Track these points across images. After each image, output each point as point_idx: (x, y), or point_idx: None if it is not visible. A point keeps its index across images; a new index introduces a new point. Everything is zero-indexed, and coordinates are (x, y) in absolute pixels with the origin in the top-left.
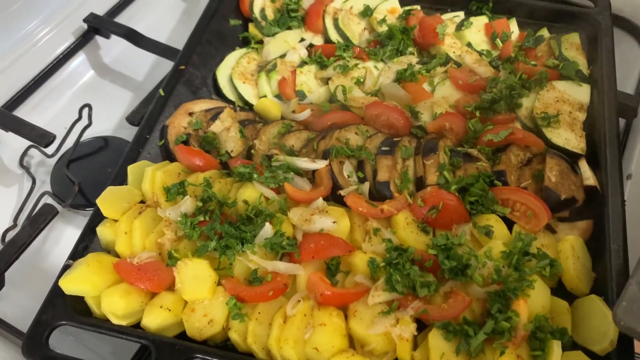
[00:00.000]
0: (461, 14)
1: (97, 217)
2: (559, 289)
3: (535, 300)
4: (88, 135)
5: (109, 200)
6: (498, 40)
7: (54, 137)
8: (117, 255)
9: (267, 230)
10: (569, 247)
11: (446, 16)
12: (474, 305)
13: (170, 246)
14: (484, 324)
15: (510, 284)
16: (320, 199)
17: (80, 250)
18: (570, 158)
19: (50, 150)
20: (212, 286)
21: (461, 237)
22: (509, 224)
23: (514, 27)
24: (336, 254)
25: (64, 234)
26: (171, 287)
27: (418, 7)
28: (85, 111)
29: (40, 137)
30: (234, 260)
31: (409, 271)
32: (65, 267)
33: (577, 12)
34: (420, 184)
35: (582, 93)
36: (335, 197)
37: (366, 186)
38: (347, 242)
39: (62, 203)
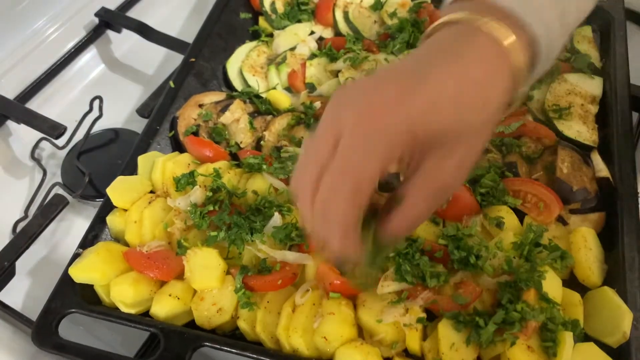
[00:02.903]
0: None
1: (107, 207)
2: (571, 281)
3: (545, 291)
4: (98, 127)
5: (119, 189)
6: None
7: (65, 128)
8: (126, 244)
9: (276, 220)
10: (580, 238)
11: None
12: (484, 295)
13: (179, 235)
14: (494, 315)
15: (521, 275)
16: None
17: (90, 239)
18: (582, 150)
19: (61, 142)
20: (222, 275)
21: (472, 228)
22: (520, 215)
23: None
24: None
25: (74, 224)
26: (180, 276)
27: (429, 0)
28: (96, 103)
29: (51, 129)
30: (243, 249)
31: (419, 261)
32: (75, 256)
33: None
34: None
35: (594, 86)
36: None
37: None
38: None
39: (73, 194)
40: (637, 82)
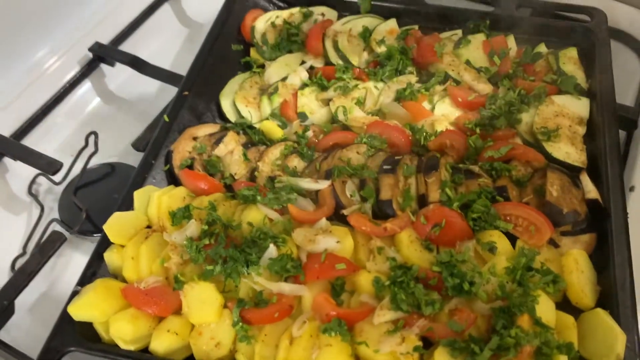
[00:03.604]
0: (459, 32)
1: (105, 243)
2: (564, 303)
3: (539, 315)
4: (95, 162)
5: (115, 226)
6: (496, 57)
7: (61, 165)
8: (124, 281)
9: (272, 251)
10: (572, 261)
11: (444, 35)
12: (479, 321)
13: (176, 270)
14: (489, 341)
15: (515, 300)
16: (324, 219)
17: (89, 276)
18: (571, 172)
19: (57, 177)
20: (219, 309)
21: (465, 254)
22: (512, 239)
23: (511, 43)
24: (341, 274)
25: (72, 260)
26: (178, 311)
27: (416, 27)
28: (92, 138)
29: (48, 165)
30: (240, 282)
31: (414, 289)
32: (74, 294)
33: (573, 27)
34: (422, 201)
35: (581, 107)
36: (338, 217)
37: (369, 205)
38: (351, 262)
39: (70, 230)
40: (623, 100)
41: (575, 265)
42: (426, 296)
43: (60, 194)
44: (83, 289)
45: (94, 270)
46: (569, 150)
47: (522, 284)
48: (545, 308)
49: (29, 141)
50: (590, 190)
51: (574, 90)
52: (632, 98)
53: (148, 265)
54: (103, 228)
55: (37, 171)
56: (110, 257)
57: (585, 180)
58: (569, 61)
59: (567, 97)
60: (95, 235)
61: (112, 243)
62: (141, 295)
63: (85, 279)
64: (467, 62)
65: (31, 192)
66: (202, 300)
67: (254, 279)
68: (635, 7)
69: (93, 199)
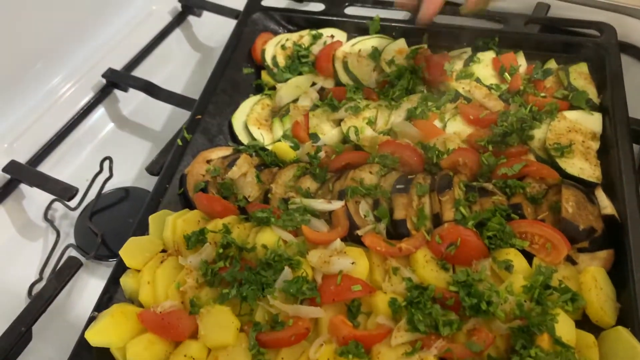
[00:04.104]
0: (468, 50)
1: (120, 268)
2: (584, 321)
3: (559, 334)
4: (109, 186)
5: (131, 251)
6: (506, 74)
7: (77, 190)
8: (140, 305)
9: (287, 274)
10: (591, 278)
11: (453, 53)
12: (497, 341)
13: (192, 294)
14: None
15: (534, 319)
16: (338, 239)
17: (105, 301)
18: (586, 187)
19: (73, 203)
20: (235, 333)
21: (481, 273)
22: (529, 257)
23: (521, 60)
24: (357, 295)
25: (88, 284)
26: (194, 335)
27: (425, 45)
28: (106, 164)
29: (63, 191)
30: (255, 305)
31: (431, 310)
32: (91, 319)
33: (583, 42)
34: (437, 220)
35: (593, 122)
36: (352, 238)
37: (383, 225)
38: (367, 283)
39: (86, 255)
40: (635, 114)
41: (594, 282)
42: (444, 316)
43: (75, 219)
44: (100, 314)
45: (110, 295)
46: (583, 166)
47: (540, 302)
48: (565, 327)
49: (45, 167)
50: (606, 205)
51: (586, 105)
52: None
53: (164, 289)
54: (119, 253)
55: (52, 197)
56: (126, 281)
57: (601, 195)
58: (580, 76)
59: (579, 113)
60: (110, 260)
61: (128, 268)
62: (157, 319)
63: (102, 304)
64: (478, 80)
65: (47, 218)
66: (218, 324)
67: (269, 301)
68: None
69: (108, 223)
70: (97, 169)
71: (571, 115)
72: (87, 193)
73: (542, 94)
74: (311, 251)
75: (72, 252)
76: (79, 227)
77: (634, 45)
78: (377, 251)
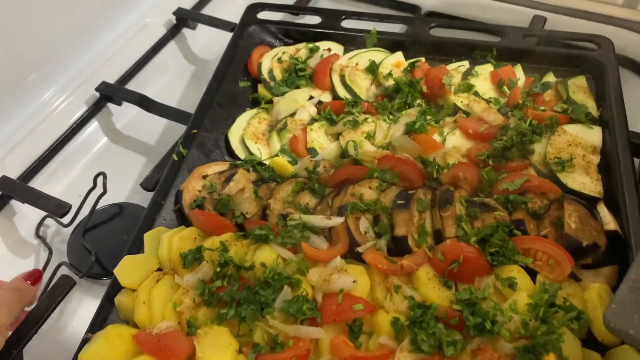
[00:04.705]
0: (466, 64)
1: (115, 288)
2: (589, 340)
3: (565, 354)
4: (103, 202)
5: (126, 269)
6: (505, 87)
7: (70, 206)
8: (136, 326)
9: (287, 293)
10: (596, 296)
11: (451, 66)
12: None
13: (189, 314)
14: None
15: (540, 339)
16: (339, 257)
17: (99, 322)
18: (587, 202)
19: (66, 219)
20: (234, 354)
21: (485, 291)
22: (532, 273)
23: (519, 73)
24: (359, 315)
25: (81, 304)
26: (192, 357)
27: (423, 59)
28: (100, 179)
29: (55, 208)
30: (255, 326)
31: (434, 330)
32: (85, 341)
33: (582, 55)
34: (438, 236)
35: (593, 135)
36: (353, 255)
37: (384, 241)
38: (368, 302)
39: (79, 273)
40: (635, 127)
41: (600, 300)
42: (447, 336)
43: (68, 236)
44: (94, 335)
45: (105, 315)
46: (584, 181)
47: (545, 321)
48: (572, 346)
49: (37, 183)
50: (609, 221)
51: (586, 118)
52: None
53: (160, 309)
54: (114, 272)
55: (44, 213)
56: (122, 301)
57: (603, 211)
58: (579, 90)
59: (579, 126)
60: (105, 278)
61: (123, 287)
62: (154, 341)
63: (96, 325)
64: (476, 94)
65: (39, 235)
66: (217, 346)
67: (269, 322)
68: None
69: (102, 241)
70: (91, 184)
71: (571, 129)
72: (81, 209)
73: (542, 108)
74: (311, 269)
75: (65, 271)
76: (72, 245)
77: (630, 59)
78: (378, 269)
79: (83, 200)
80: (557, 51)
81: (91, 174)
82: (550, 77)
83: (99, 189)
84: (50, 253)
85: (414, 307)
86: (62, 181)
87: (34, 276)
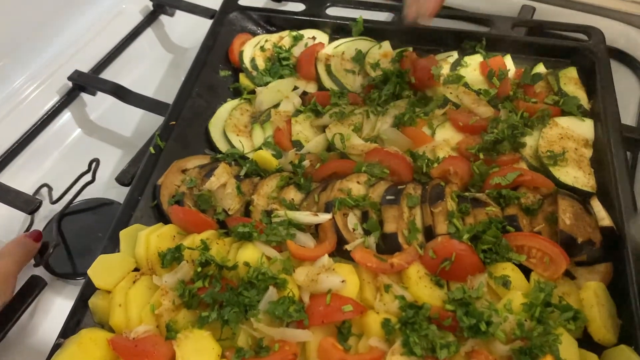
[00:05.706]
0: (455, 54)
1: (89, 289)
2: (585, 339)
3: (562, 356)
4: (77, 198)
5: (100, 270)
6: (495, 78)
7: (40, 202)
8: (111, 330)
9: (272, 294)
10: (592, 294)
11: (440, 57)
12: None
13: (168, 317)
14: None
15: (536, 340)
16: (326, 255)
17: (72, 326)
18: (580, 197)
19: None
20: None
21: (478, 290)
22: (526, 270)
23: (509, 64)
24: (348, 317)
25: (53, 306)
26: None
27: (410, 48)
28: (94, 165)
29: (24, 204)
30: (238, 330)
31: (427, 331)
32: (56, 347)
33: (572, 46)
34: (429, 233)
35: (585, 128)
36: (341, 253)
37: (373, 239)
38: (358, 303)
39: (52, 273)
40: (624, 120)
41: (596, 298)
42: (441, 338)
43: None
44: (66, 340)
45: (78, 319)
46: (576, 175)
47: (541, 321)
48: (568, 347)
49: (5, 176)
50: (604, 217)
51: (577, 111)
52: (633, 117)
53: (137, 312)
54: (87, 273)
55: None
56: (96, 304)
57: (597, 206)
58: (570, 81)
59: (571, 119)
60: (78, 278)
61: (98, 288)
62: (131, 346)
63: (69, 329)
64: (466, 85)
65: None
66: (198, 350)
67: (253, 325)
68: (630, 24)
69: (75, 238)
70: (63, 178)
71: (563, 121)
72: (52, 205)
73: (533, 100)
74: (298, 269)
75: (35, 271)
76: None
77: (621, 50)
78: (367, 267)
79: (73, 183)
80: (548, 42)
81: (63, 167)
82: (541, 68)
83: (77, 187)
84: None
85: (405, 308)
86: (33, 174)
87: (34, 234)
